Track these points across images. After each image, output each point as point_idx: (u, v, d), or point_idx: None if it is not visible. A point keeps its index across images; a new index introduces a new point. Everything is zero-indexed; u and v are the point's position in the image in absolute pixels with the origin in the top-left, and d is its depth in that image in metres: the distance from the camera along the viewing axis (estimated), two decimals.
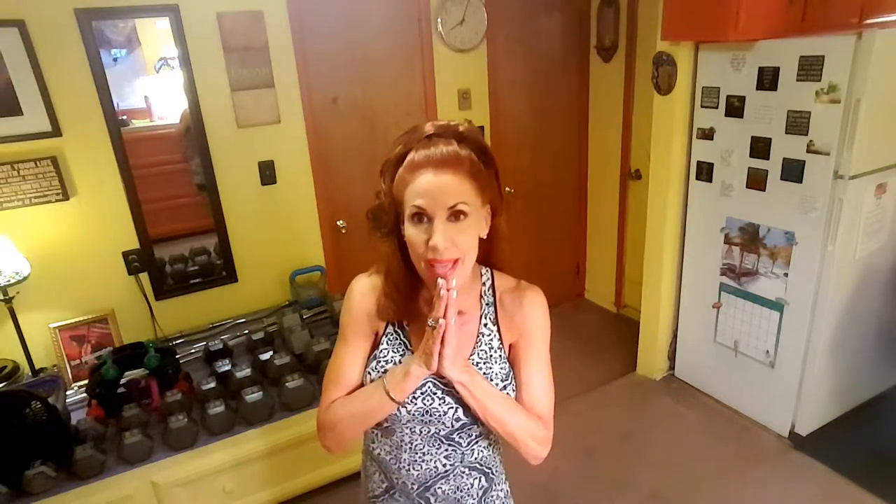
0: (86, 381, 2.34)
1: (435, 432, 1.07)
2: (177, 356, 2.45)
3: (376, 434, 1.14)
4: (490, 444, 1.14)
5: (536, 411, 1.07)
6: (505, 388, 1.05)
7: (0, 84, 2.14)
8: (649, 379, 3.17)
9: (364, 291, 1.10)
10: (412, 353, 1.05)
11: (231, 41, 2.50)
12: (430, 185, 0.93)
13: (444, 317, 0.90)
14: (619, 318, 3.84)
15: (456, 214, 0.94)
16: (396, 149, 0.99)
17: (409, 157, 0.96)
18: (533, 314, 1.08)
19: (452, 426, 1.06)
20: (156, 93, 2.54)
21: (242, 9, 2.49)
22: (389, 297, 1.05)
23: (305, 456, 2.32)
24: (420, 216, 0.94)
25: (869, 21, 2.34)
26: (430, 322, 0.92)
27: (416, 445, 1.08)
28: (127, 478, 2.02)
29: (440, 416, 1.04)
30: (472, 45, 3.10)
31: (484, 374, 1.04)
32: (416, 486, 1.12)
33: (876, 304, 2.59)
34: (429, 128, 0.97)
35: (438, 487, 1.11)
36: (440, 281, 0.90)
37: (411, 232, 0.96)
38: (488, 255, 1.09)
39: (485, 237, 1.01)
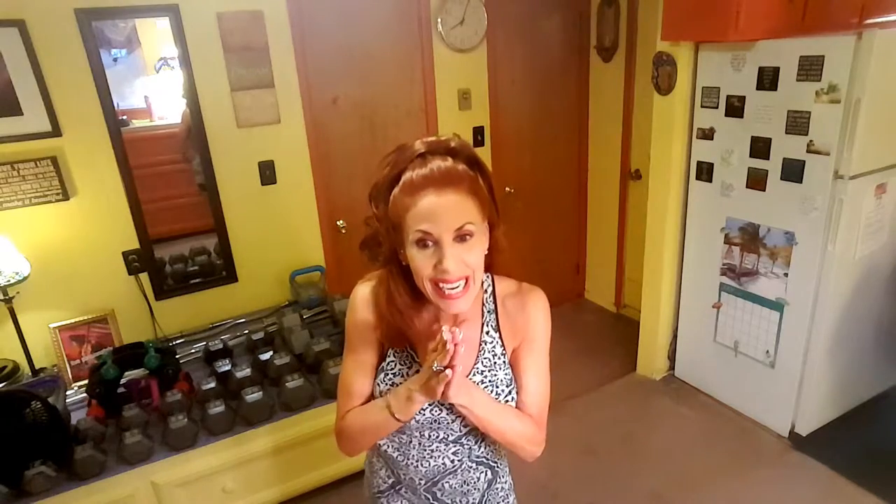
0: (86, 381, 2.34)
1: (444, 436, 1.08)
2: (177, 356, 2.45)
3: None
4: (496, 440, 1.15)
5: (531, 412, 1.07)
6: (510, 393, 1.05)
7: (0, 84, 2.14)
8: (649, 379, 3.17)
9: (366, 301, 1.07)
10: (419, 364, 1.05)
11: (231, 41, 2.50)
12: (434, 208, 0.89)
13: (451, 366, 0.87)
14: (619, 318, 3.84)
15: (462, 236, 0.91)
16: (385, 171, 0.94)
17: (404, 178, 0.91)
18: (536, 317, 1.08)
19: (461, 431, 1.07)
20: (156, 93, 2.54)
21: (242, 9, 2.49)
22: (392, 327, 1.02)
23: (306, 455, 2.32)
24: (425, 241, 0.91)
25: (869, 21, 2.34)
26: (434, 366, 0.89)
27: (424, 443, 1.09)
28: (127, 478, 2.02)
29: (449, 423, 1.05)
30: (472, 45, 3.10)
31: (489, 381, 1.04)
32: (423, 482, 1.12)
33: (876, 304, 2.59)
34: (419, 146, 0.93)
35: (446, 482, 1.12)
36: (444, 332, 0.86)
37: (417, 257, 0.93)
38: (489, 266, 1.06)
39: (486, 251, 0.99)
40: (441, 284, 0.92)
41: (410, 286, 0.99)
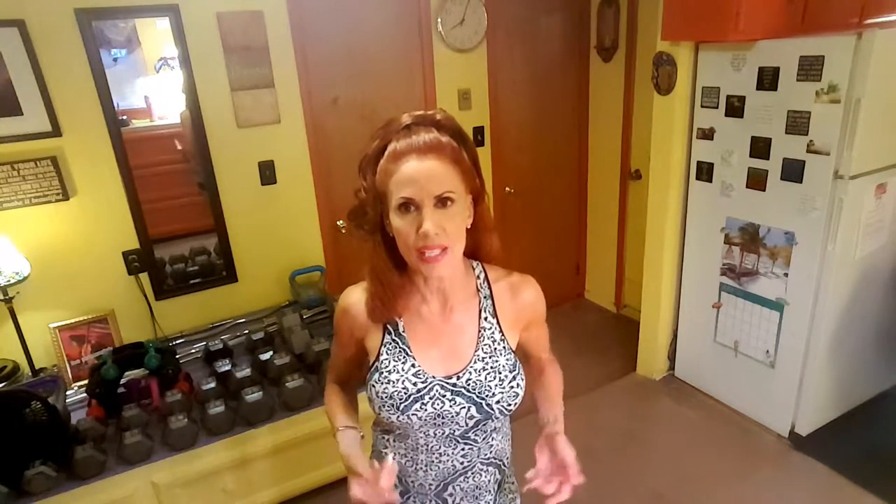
0: (86, 381, 2.34)
1: (450, 433, 1.06)
2: (177, 356, 2.45)
3: (388, 439, 1.14)
4: (503, 437, 1.15)
5: (548, 356, 1.23)
6: (514, 379, 1.04)
7: (0, 84, 2.14)
8: (649, 379, 3.17)
9: (344, 307, 1.10)
10: (413, 357, 1.04)
11: (231, 41, 2.50)
12: (415, 173, 0.92)
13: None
14: (619, 318, 3.84)
15: (443, 201, 0.93)
16: (374, 143, 0.98)
17: (390, 148, 0.95)
18: (537, 304, 1.12)
19: (467, 425, 1.05)
20: (156, 93, 2.54)
21: (242, 9, 2.49)
22: (377, 298, 1.04)
23: (306, 456, 2.32)
24: (407, 206, 0.93)
25: (869, 21, 2.34)
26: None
27: (431, 447, 1.08)
28: (127, 478, 2.02)
29: (453, 416, 1.04)
30: (472, 45, 3.10)
31: (491, 368, 1.04)
32: (433, 486, 1.11)
33: (876, 305, 2.59)
34: (406, 118, 0.97)
35: (456, 485, 1.12)
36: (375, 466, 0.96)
37: (399, 223, 0.94)
38: (476, 248, 1.08)
39: (469, 226, 1.00)
40: (421, 248, 0.93)
41: (394, 259, 1.02)
